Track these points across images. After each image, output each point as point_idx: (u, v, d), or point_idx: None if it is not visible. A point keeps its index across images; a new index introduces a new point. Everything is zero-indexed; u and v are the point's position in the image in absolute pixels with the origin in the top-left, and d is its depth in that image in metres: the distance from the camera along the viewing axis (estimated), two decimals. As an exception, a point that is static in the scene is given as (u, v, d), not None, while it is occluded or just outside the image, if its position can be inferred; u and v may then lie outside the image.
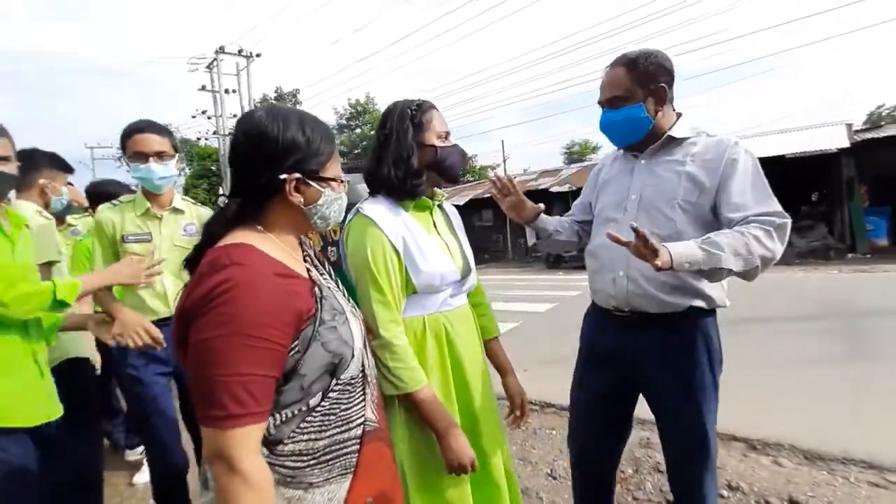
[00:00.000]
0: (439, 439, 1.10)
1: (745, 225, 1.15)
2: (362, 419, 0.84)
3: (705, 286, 1.26)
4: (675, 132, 1.30)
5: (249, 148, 0.79)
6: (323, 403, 0.78)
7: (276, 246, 0.80)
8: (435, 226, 1.25)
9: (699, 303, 1.27)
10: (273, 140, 0.77)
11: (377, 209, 1.15)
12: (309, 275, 0.83)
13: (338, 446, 0.80)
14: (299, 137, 0.79)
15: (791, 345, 4.10)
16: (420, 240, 1.16)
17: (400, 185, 1.17)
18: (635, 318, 1.32)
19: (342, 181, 0.86)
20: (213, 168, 24.97)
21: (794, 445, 2.46)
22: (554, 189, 15.76)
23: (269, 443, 0.74)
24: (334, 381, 0.79)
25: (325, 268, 0.93)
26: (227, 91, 18.99)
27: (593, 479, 1.57)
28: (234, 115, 19.68)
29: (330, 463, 0.79)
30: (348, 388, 0.82)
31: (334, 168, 0.85)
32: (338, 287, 0.91)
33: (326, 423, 0.79)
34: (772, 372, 3.62)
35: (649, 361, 1.33)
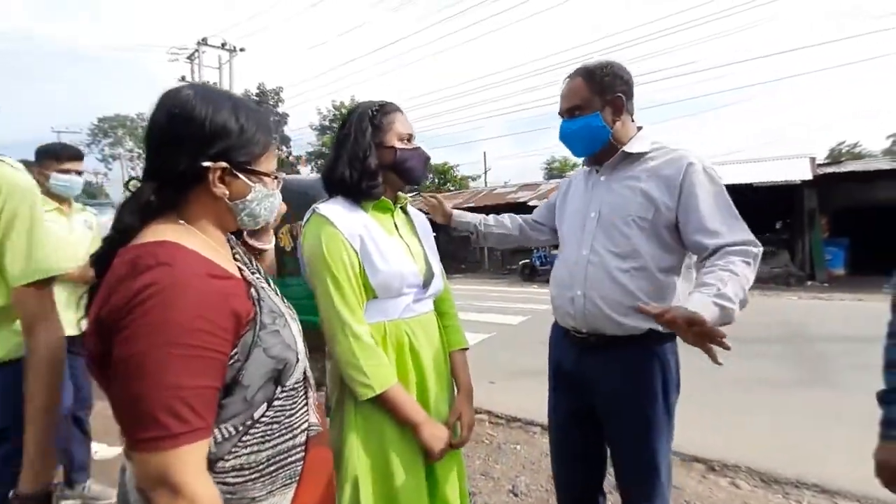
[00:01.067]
0: (418, 433, 1.09)
1: (723, 257, 1.10)
2: (307, 425, 0.81)
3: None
4: (632, 147, 1.30)
5: (171, 128, 0.70)
6: (267, 413, 0.72)
7: (203, 243, 0.72)
8: (396, 228, 1.22)
9: (658, 326, 1.23)
10: (199, 122, 0.69)
11: (333, 208, 1.13)
12: (242, 275, 0.76)
13: (282, 456, 0.75)
14: (231, 124, 0.72)
15: (751, 367, 4.22)
16: (379, 239, 1.13)
17: (355, 186, 1.14)
18: (593, 340, 1.31)
19: (276, 178, 0.80)
20: None
21: (751, 468, 2.50)
22: (532, 202, 15.85)
23: (209, 461, 0.67)
24: (279, 389, 0.74)
25: (254, 266, 0.87)
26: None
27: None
28: None
29: (273, 475, 0.74)
30: (292, 393, 0.77)
31: (269, 162, 0.79)
32: (271, 287, 0.86)
33: (269, 432, 0.73)
34: (732, 394, 3.69)
35: (605, 385, 1.31)
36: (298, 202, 2.59)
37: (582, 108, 1.29)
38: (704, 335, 0.89)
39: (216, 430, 0.67)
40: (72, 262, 1.75)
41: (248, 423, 0.70)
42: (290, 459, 0.77)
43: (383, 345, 1.12)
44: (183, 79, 18.53)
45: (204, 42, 18.14)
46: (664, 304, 1.22)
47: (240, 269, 0.78)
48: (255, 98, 27.76)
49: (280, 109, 28.50)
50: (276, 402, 0.74)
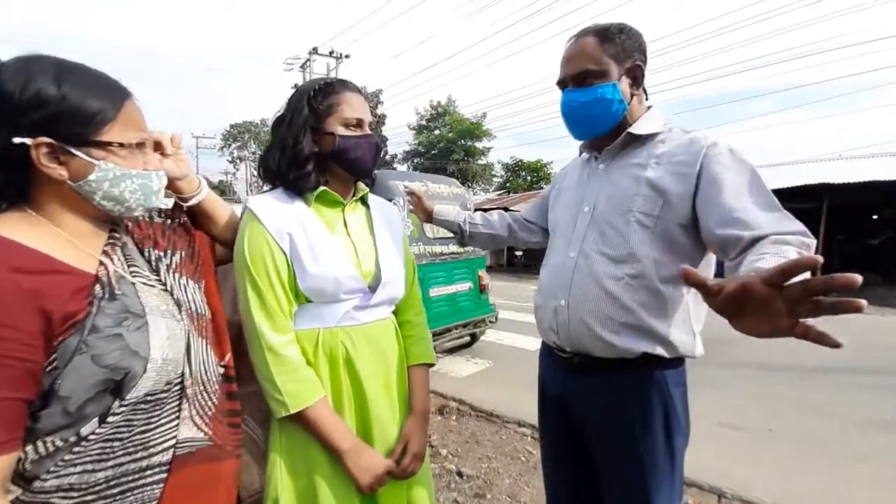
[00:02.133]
0: (344, 461, 0.96)
1: (773, 245, 0.79)
2: (172, 441, 0.72)
3: (667, 327, 0.99)
4: (640, 127, 1.05)
5: None
6: (99, 430, 0.64)
7: (47, 233, 0.65)
8: (346, 225, 1.07)
9: (658, 349, 1.00)
10: (9, 94, 0.60)
11: (265, 201, 1.00)
12: (104, 269, 0.68)
13: (129, 477, 0.68)
14: (49, 91, 0.61)
15: (857, 402, 3.46)
16: (314, 238, 0.99)
17: (283, 176, 1.02)
18: (577, 362, 1.08)
19: (140, 149, 0.70)
20: None
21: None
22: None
23: (24, 478, 0.62)
24: (118, 403, 0.65)
25: (144, 256, 0.78)
26: None
27: None
28: None
29: (117, 498, 0.67)
30: (143, 406, 0.68)
31: (122, 133, 0.67)
32: (159, 279, 0.77)
33: (109, 450, 0.66)
34: (834, 434, 2.95)
35: (591, 417, 1.08)
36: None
37: (595, 76, 1.03)
38: (815, 300, 0.52)
39: (32, 446, 0.62)
40: None
41: (74, 439, 0.63)
42: (141, 482, 0.69)
43: (314, 355, 1.00)
44: (295, 86, 24.55)
45: (315, 51, 19.88)
46: (666, 326, 0.98)
47: (101, 261, 0.69)
48: None
49: (379, 111, 24.47)
50: (112, 418, 0.65)
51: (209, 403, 0.80)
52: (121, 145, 0.67)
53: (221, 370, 0.87)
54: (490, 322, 4.87)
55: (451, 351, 5.06)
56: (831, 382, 4.07)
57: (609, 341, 1.02)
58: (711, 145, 0.98)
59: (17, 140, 0.60)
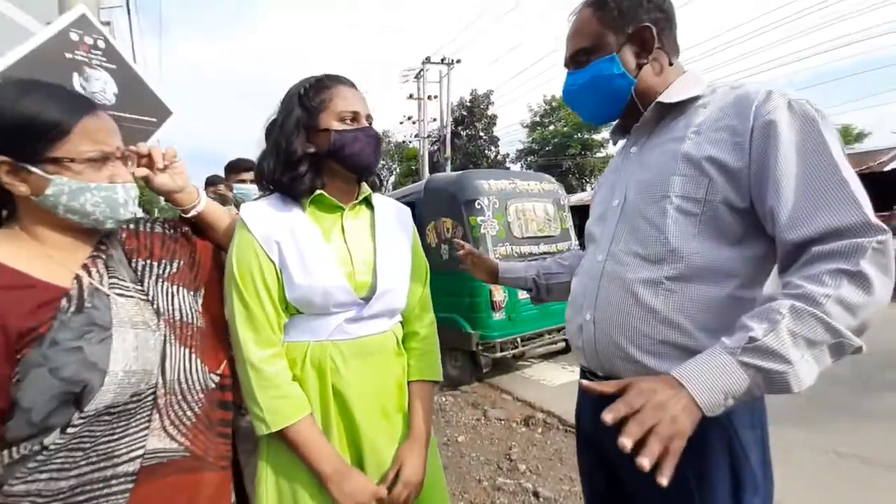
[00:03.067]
0: (326, 485, 0.90)
1: (804, 268, 0.65)
2: (139, 452, 0.72)
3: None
4: (672, 94, 0.83)
5: None
6: (59, 440, 0.66)
7: (22, 247, 0.70)
8: (343, 231, 1.00)
9: None
10: None
11: (255, 209, 0.96)
12: (74, 282, 0.71)
13: (93, 486, 0.69)
14: (6, 114, 0.66)
15: None
16: (305, 247, 0.94)
17: (276, 180, 0.97)
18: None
19: (99, 163, 0.72)
20: (414, 167, 27.36)
21: None
22: None
23: None
24: (78, 414, 0.66)
25: (131, 266, 0.81)
26: (429, 97, 21.32)
27: None
28: (434, 119, 22.18)
29: None
30: (105, 418, 0.69)
31: (76, 148, 0.69)
32: (141, 289, 0.79)
33: (71, 460, 0.68)
34: None
35: (631, 464, 0.76)
36: (439, 199, 3.82)
37: (591, 52, 0.88)
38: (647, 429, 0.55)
39: (4, 452, 0.66)
40: None
41: (37, 448, 0.66)
42: (106, 491, 0.70)
43: (301, 369, 0.94)
44: (411, 97, 21.64)
45: (427, 60, 20.72)
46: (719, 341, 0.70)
47: (78, 275, 0.72)
48: (467, 104, 24.47)
49: (490, 112, 24.95)
50: (70, 429, 0.66)
51: (188, 413, 0.80)
52: (72, 160, 0.69)
53: (216, 378, 0.87)
54: (589, 328, 4.45)
55: (545, 357, 4.78)
56: None
57: (644, 364, 0.81)
58: (763, 101, 0.74)
59: None
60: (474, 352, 3.75)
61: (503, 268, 1.28)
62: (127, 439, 0.72)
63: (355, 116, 0.98)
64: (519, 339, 3.88)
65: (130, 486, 0.72)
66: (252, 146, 1.05)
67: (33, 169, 0.68)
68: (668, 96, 0.85)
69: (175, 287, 0.85)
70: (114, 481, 0.71)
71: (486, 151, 29.17)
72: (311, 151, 0.98)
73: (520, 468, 2.64)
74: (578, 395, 1.03)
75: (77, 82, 2.58)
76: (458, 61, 21.48)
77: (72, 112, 0.70)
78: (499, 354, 3.73)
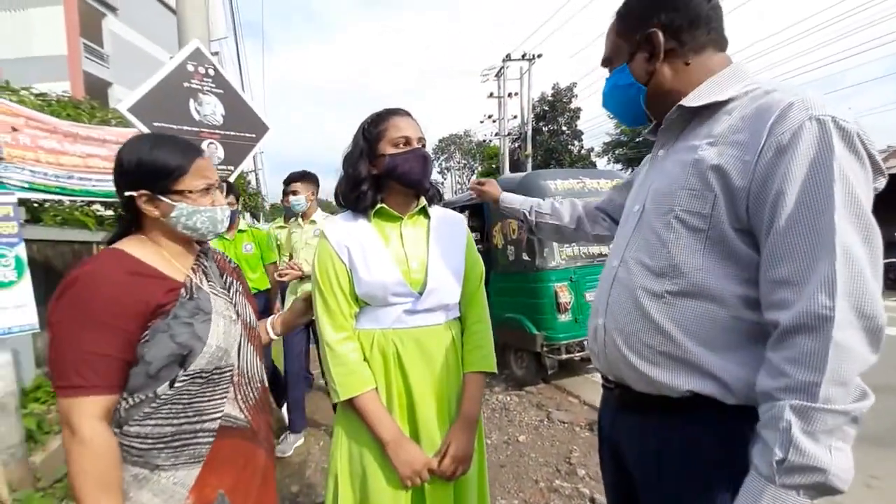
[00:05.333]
0: (385, 451, 1.09)
1: (785, 343, 0.64)
2: (220, 414, 0.92)
3: (725, 362, 0.74)
4: (692, 98, 0.80)
5: (114, 173, 0.93)
6: (168, 392, 0.86)
7: (153, 251, 0.93)
8: (401, 237, 1.19)
9: (709, 389, 0.75)
10: (119, 164, 0.91)
11: (332, 221, 1.21)
12: (188, 277, 0.94)
13: (187, 435, 0.89)
14: (145, 158, 0.90)
15: None
16: (368, 250, 1.14)
17: (345, 198, 1.21)
18: (618, 395, 0.91)
19: (206, 192, 0.95)
20: (495, 166, 27.41)
21: None
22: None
23: (118, 423, 0.86)
24: (182, 372, 0.87)
25: (222, 279, 1.04)
26: (509, 95, 21.39)
27: None
28: (514, 117, 22.11)
29: (178, 449, 0.88)
30: (198, 380, 0.89)
31: (192, 182, 0.93)
32: (227, 295, 1.02)
33: (174, 411, 0.87)
34: None
35: (641, 467, 0.87)
36: None
37: (610, 61, 0.92)
38: None
39: (126, 398, 0.86)
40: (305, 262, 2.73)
41: (151, 395, 0.86)
42: (195, 440, 0.89)
43: (370, 352, 1.14)
44: (491, 95, 21.77)
45: (508, 58, 20.66)
46: (723, 360, 0.74)
47: (188, 274, 0.95)
48: (549, 99, 24.02)
49: (573, 105, 24.15)
50: (178, 384, 0.87)
51: (251, 394, 1.01)
52: (190, 192, 0.94)
53: (263, 378, 1.11)
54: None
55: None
56: None
57: (643, 372, 0.82)
58: (779, 118, 0.67)
59: (127, 193, 0.92)
60: (539, 353, 3.74)
61: (504, 197, 1.49)
62: (213, 402, 0.92)
63: (407, 140, 1.16)
64: (586, 342, 3.76)
65: (211, 439, 0.91)
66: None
67: (163, 198, 0.92)
68: (690, 100, 0.81)
69: (245, 300, 1.09)
70: (201, 433, 0.90)
71: (570, 146, 28.14)
72: (374, 174, 1.18)
73: (578, 473, 2.62)
74: (601, 400, 1.06)
75: (192, 107, 3.09)
76: (539, 56, 21.02)
77: (188, 157, 0.95)
78: (564, 357, 3.68)
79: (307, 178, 2.97)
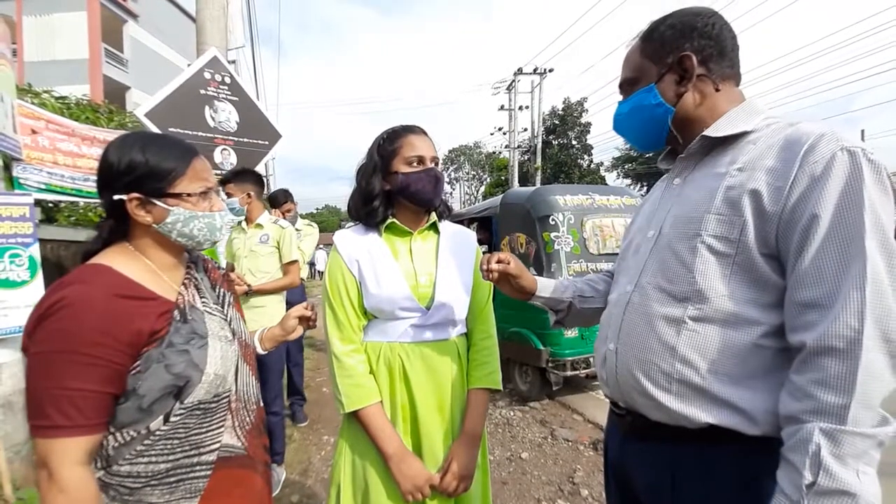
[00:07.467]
0: (388, 464, 1.08)
1: (811, 365, 0.64)
2: (217, 445, 0.85)
3: (748, 393, 0.73)
4: (720, 128, 0.81)
5: (98, 175, 0.83)
6: (164, 427, 0.78)
7: (140, 266, 0.83)
8: (411, 252, 1.19)
9: (729, 421, 0.73)
10: (108, 164, 0.80)
11: (343, 235, 1.20)
12: (179, 297, 0.84)
13: (184, 470, 0.81)
14: (137, 158, 0.80)
15: None
16: (378, 264, 1.14)
17: (357, 213, 1.20)
18: (630, 423, 0.88)
19: (205, 196, 0.87)
20: (504, 177, 27.60)
21: None
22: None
23: (106, 461, 0.77)
24: (178, 405, 0.79)
25: (214, 291, 0.95)
26: (520, 108, 21.41)
27: None
28: (525, 129, 22.41)
29: (174, 485, 0.80)
30: (196, 412, 0.82)
31: (189, 185, 0.84)
32: (222, 312, 0.94)
33: (170, 446, 0.79)
34: None
35: (651, 496, 0.86)
36: (514, 214, 3.98)
37: (634, 83, 0.91)
38: None
39: (115, 434, 0.76)
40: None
41: (144, 431, 0.77)
42: (192, 475, 0.81)
43: (377, 365, 1.13)
44: (502, 108, 21.82)
45: (519, 71, 20.69)
46: (746, 392, 0.72)
47: (180, 292, 0.86)
48: (559, 113, 24.39)
49: (583, 120, 24.50)
50: (173, 418, 0.79)
51: (247, 419, 0.94)
52: (188, 195, 0.85)
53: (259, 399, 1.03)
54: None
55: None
56: None
57: (660, 402, 0.80)
58: (811, 148, 0.70)
59: (116, 197, 0.81)
60: (544, 368, 3.70)
61: (541, 285, 1.11)
62: (211, 433, 0.84)
63: (420, 160, 1.16)
64: (591, 359, 3.75)
65: (209, 472, 0.84)
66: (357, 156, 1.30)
67: (158, 203, 0.82)
68: (716, 130, 0.83)
69: (238, 313, 1.01)
70: (198, 467, 0.83)
71: (579, 160, 28.18)
72: (386, 189, 1.18)
73: (582, 493, 2.57)
74: (608, 424, 1.04)
75: (208, 114, 3.14)
76: (551, 70, 21.20)
77: (186, 157, 0.85)
78: (569, 373, 3.64)
79: (242, 176, 2.58)
